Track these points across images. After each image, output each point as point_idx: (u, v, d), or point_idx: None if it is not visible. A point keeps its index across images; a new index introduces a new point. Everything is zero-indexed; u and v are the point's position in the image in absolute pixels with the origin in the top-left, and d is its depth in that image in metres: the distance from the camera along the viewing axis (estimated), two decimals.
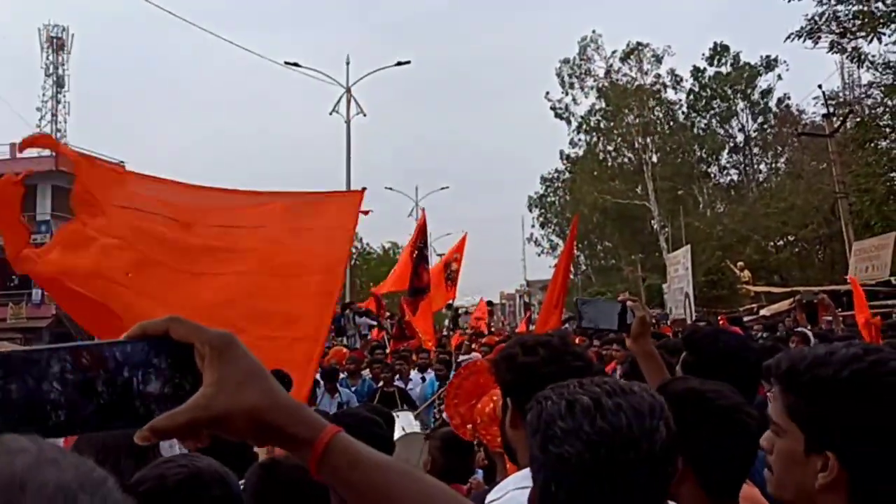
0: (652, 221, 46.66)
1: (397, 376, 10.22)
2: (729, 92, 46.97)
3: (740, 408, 1.78)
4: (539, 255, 62.09)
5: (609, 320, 2.46)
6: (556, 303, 9.45)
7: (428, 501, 0.90)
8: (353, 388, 10.01)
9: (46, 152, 40.97)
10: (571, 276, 64.62)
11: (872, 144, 23.53)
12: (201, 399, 0.83)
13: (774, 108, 45.36)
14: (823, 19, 23.03)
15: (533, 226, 60.23)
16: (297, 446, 0.87)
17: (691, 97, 47.91)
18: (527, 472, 1.59)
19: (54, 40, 44.33)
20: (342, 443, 0.87)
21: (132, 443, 2.56)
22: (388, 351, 12.20)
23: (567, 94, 48.53)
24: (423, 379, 10.89)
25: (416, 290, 12.55)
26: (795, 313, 9.36)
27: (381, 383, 9.85)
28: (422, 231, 13.41)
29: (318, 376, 9.34)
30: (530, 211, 59.50)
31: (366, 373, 10.86)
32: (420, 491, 0.90)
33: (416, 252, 12.99)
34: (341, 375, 9.87)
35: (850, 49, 23.65)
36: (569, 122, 49.61)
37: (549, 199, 58.80)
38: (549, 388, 1.34)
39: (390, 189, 48.22)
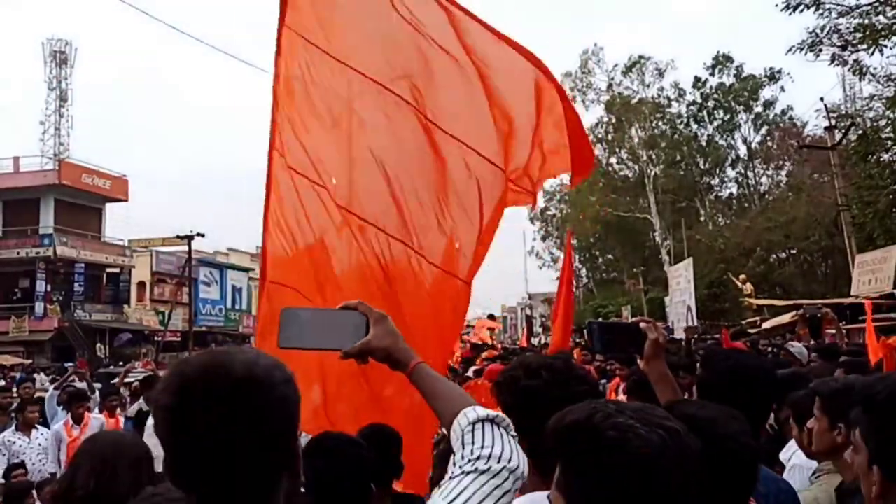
0: (654, 234, 46.60)
1: None
2: (732, 103, 46.99)
3: (736, 437, 1.75)
4: (540, 267, 62.10)
5: (622, 342, 2.43)
6: (565, 321, 9.52)
7: (460, 398, 1.58)
8: None
9: (49, 165, 41.22)
10: (573, 290, 64.73)
11: (875, 157, 23.43)
12: (367, 341, 1.62)
13: (778, 120, 45.29)
14: (825, 32, 23.00)
15: (534, 239, 60.23)
16: (401, 368, 1.62)
17: (693, 108, 47.92)
18: (532, 496, 1.63)
19: (57, 54, 44.45)
20: (420, 368, 1.62)
21: (129, 459, 2.53)
22: None
23: None
24: None
25: None
26: (798, 327, 9.29)
27: None
28: None
29: None
30: (532, 223, 59.50)
31: None
32: (454, 389, 1.67)
33: None
34: None
35: (851, 62, 23.62)
36: None
37: (550, 213, 58.80)
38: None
39: None
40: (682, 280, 27.37)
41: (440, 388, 1.60)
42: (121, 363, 26.20)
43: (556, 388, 1.84)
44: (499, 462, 1.38)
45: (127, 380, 12.94)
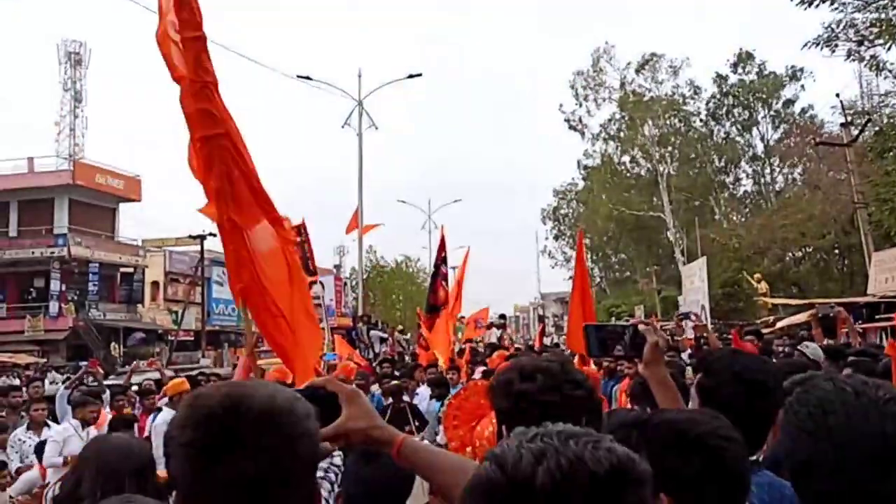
0: (667, 233, 46.34)
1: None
2: (752, 100, 46.63)
3: (716, 432, 1.68)
4: (553, 267, 61.97)
5: (621, 345, 2.34)
6: (583, 319, 9.44)
7: (461, 466, 1.46)
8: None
9: (64, 165, 41.44)
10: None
11: (892, 154, 23.19)
12: (342, 421, 1.49)
13: (797, 119, 44.85)
14: (841, 27, 22.77)
15: (546, 238, 60.07)
16: (385, 447, 1.51)
17: (711, 104, 47.61)
18: None
19: (72, 55, 44.64)
20: (409, 443, 1.52)
21: (135, 467, 2.47)
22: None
23: (581, 105, 48.43)
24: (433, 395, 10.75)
25: (433, 308, 12.41)
26: (812, 327, 9.14)
27: (390, 400, 9.74)
28: (441, 248, 13.25)
29: None
30: (544, 223, 59.37)
31: (375, 388, 10.76)
32: (450, 457, 1.59)
33: (434, 269, 12.87)
34: None
35: (867, 57, 23.38)
36: (582, 135, 49.49)
37: (562, 212, 58.64)
38: None
39: (403, 202, 48.23)
40: (696, 279, 27.26)
41: (439, 460, 1.52)
42: (136, 363, 26.27)
43: (550, 393, 1.76)
44: None
45: (134, 379, 12.92)
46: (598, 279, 59.89)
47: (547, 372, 1.81)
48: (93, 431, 7.80)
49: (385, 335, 22.61)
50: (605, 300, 50.83)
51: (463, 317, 19.22)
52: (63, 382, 13.89)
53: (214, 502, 1.12)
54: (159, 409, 9.01)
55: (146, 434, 9.18)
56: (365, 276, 31.90)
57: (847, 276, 33.54)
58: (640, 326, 2.37)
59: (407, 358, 16.87)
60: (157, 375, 12.42)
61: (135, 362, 19.74)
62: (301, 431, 1.18)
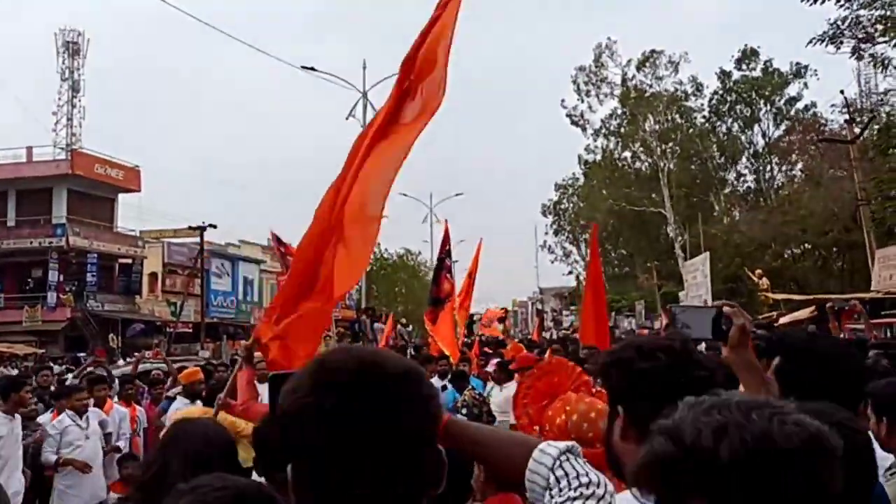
0: (667, 228, 46.34)
1: None
2: (755, 96, 46.58)
3: (847, 423, 1.61)
4: (553, 262, 61.96)
5: (702, 328, 2.26)
6: (599, 313, 9.48)
7: (513, 440, 1.48)
8: None
9: (62, 155, 41.26)
10: (584, 284, 64.64)
11: (895, 151, 23.20)
12: None
13: (801, 115, 44.77)
14: (846, 24, 22.70)
15: (546, 233, 60.06)
16: None
17: (714, 101, 47.58)
18: (623, 497, 1.58)
19: (70, 45, 44.43)
20: (454, 421, 1.41)
21: (220, 449, 2.45)
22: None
23: (583, 101, 48.43)
24: (445, 387, 10.71)
25: (436, 301, 12.36)
26: (830, 321, 9.12)
27: None
28: (445, 241, 13.24)
29: None
30: (545, 217, 59.34)
31: None
32: (497, 430, 1.54)
33: (438, 262, 12.84)
34: None
35: (868, 55, 23.35)
36: (584, 130, 49.50)
37: (562, 206, 58.64)
38: None
39: (405, 195, 48.09)
40: (698, 275, 27.19)
41: (488, 436, 1.49)
42: (135, 354, 26.16)
43: (674, 372, 1.69)
44: (599, 487, 1.36)
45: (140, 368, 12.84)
46: None
47: (668, 351, 1.75)
48: (93, 417, 7.70)
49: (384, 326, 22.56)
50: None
51: (476, 313, 19.20)
52: (67, 373, 13.84)
53: (356, 466, 1.09)
54: (170, 399, 8.93)
55: (154, 424, 9.14)
56: (368, 269, 31.82)
57: (847, 273, 33.53)
58: (726, 308, 2.30)
59: (410, 351, 16.83)
60: (162, 366, 12.32)
61: (141, 352, 19.63)
62: (433, 392, 1.18)
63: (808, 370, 2.21)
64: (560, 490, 1.36)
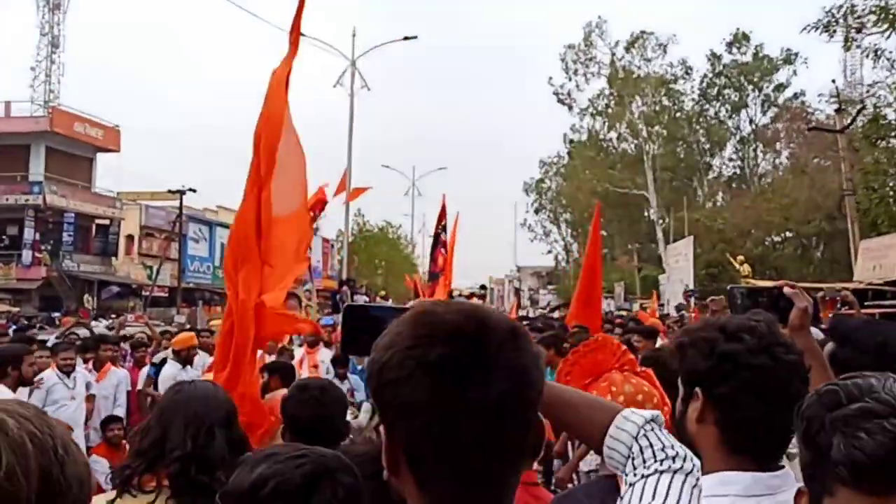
0: (650, 212, 46.48)
1: None
2: (743, 82, 46.62)
3: None
4: (532, 241, 62.09)
5: (765, 309, 2.14)
6: (593, 294, 9.46)
7: (593, 403, 1.42)
8: (360, 367, 9.77)
9: (40, 111, 40.45)
10: (563, 264, 64.76)
11: (884, 142, 23.27)
12: None
13: (789, 103, 44.89)
14: (840, 12, 22.67)
15: (527, 211, 60.08)
16: None
17: (704, 83, 47.57)
18: (722, 476, 1.58)
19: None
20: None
21: (222, 414, 2.33)
22: None
23: (570, 79, 48.27)
24: None
25: (433, 276, 12.29)
26: (821, 310, 9.09)
27: None
28: (441, 216, 13.09)
29: (329, 361, 9.11)
30: (527, 195, 59.31)
31: None
32: (587, 397, 1.49)
33: (434, 237, 12.72)
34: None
35: (857, 46, 23.38)
36: (570, 109, 49.37)
37: (544, 185, 58.65)
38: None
39: (387, 167, 47.83)
40: (680, 258, 27.34)
41: (569, 396, 1.44)
42: (112, 316, 25.89)
43: (761, 355, 1.62)
44: (685, 461, 1.30)
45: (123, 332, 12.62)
46: (576, 254, 60.19)
47: (754, 332, 1.66)
48: (80, 378, 7.48)
49: (366, 298, 22.41)
50: None
51: (456, 289, 19.15)
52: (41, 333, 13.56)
53: (463, 425, 0.96)
54: (155, 364, 8.74)
55: (138, 387, 8.96)
56: (350, 240, 31.60)
57: (827, 263, 33.83)
58: (787, 290, 2.19)
59: None
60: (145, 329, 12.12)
61: (123, 315, 19.42)
62: (538, 351, 1.07)
63: (864, 356, 2.12)
64: (644, 461, 1.30)
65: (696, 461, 1.33)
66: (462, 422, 0.96)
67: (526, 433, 1.02)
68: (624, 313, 24.60)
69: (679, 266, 27.21)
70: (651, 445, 1.31)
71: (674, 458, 1.29)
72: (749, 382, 1.59)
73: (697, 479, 1.30)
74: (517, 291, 59.05)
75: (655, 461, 1.29)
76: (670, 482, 1.26)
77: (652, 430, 1.33)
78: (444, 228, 12.89)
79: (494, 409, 0.96)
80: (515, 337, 1.01)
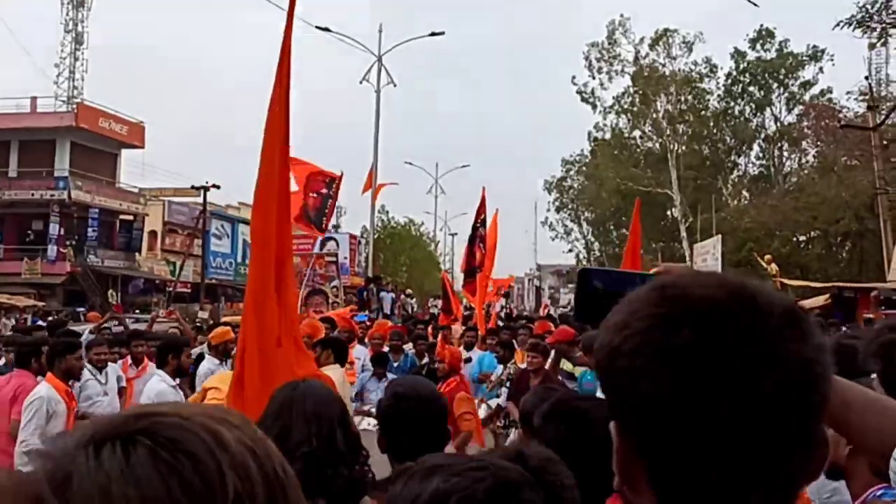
0: (673, 211, 46.06)
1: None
2: (768, 79, 46.07)
3: None
4: (553, 239, 61.76)
5: None
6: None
7: (878, 406, 1.14)
8: (395, 364, 9.65)
9: (63, 108, 40.64)
10: (584, 263, 64.39)
11: None
12: None
13: (816, 101, 44.24)
14: (875, 7, 22.35)
15: (548, 209, 59.73)
16: None
17: (728, 80, 47.05)
18: None
19: None
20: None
21: (338, 413, 2.25)
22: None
23: (594, 77, 47.88)
24: (469, 359, 10.50)
25: (472, 271, 12.12)
26: (872, 310, 8.87)
27: (426, 360, 9.48)
28: (480, 210, 12.84)
29: (367, 360, 8.99)
30: (549, 193, 58.97)
31: (408, 347, 10.51)
32: (870, 398, 1.16)
33: (472, 230, 12.50)
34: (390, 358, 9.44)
35: (882, 41, 23.09)
36: (594, 107, 48.98)
37: (566, 183, 58.30)
38: None
39: (410, 164, 47.66)
40: (709, 257, 27.02)
41: (854, 396, 1.14)
42: (136, 311, 25.95)
43: None
44: None
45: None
46: (597, 253, 59.85)
47: None
48: (112, 373, 7.37)
49: (391, 295, 22.36)
50: None
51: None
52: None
53: (719, 435, 0.73)
54: (197, 358, 8.66)
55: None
56: (375, 237, 31.48)
57: (856, 262, 33.34)
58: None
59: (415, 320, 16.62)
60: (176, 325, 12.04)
61: (154, 311, 19.39)
62: (824, 341, 0.79)
63: None
64: None
65: None
66: (718, 430, 0.74)
67: (805, 450, 0.77)
68: None
69: (707, 265, 26.84)
70: None
71: None
72: None
73: None
74: (538, 290, 58.75)
75: None
76: None
77: None
78: (483, 223, 12.65)
79: (763, 417, 0.74)
80: (795, 321, 0.77)
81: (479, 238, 12.35)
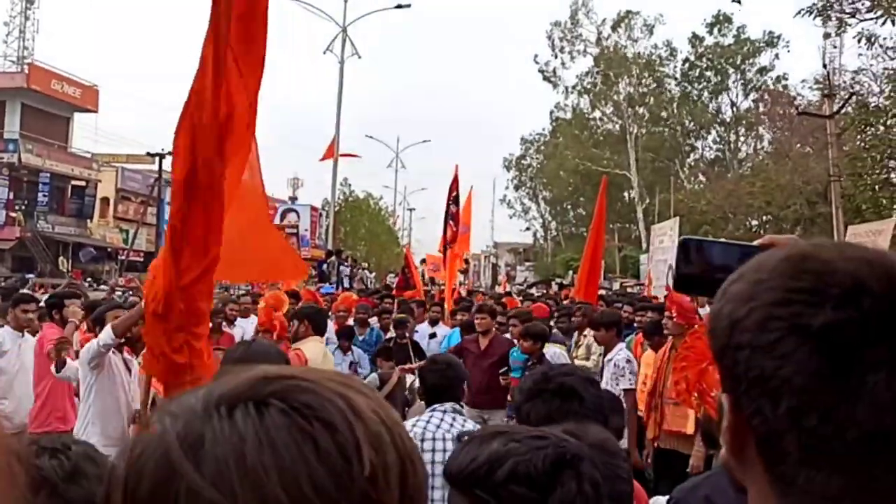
0: (631, 192, 46.55)
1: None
2: (724, 64, 46.61)
3: None
4: (511, 217, 62.04)
5: None
6: (594, 270, 9.43)
7: None
8: (361, 338, 9.61)
9: (15, 68, 39.41)
10: (541, 241, 64.83)
11: (872, 129, 23.40)
12: None
13: (773, 87, 44.96)
14: None
15: (507, 187, 59.96)
16: None
17: (686, 65, 47.51)
18: None
19: None
20: None
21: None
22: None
23: (556, 56, 47.99)
24: (434, 335, 10.50)
25: (445, 248, 12.13)
26: None
27: (392, 334, 9.44)
28: (452, 187, 12.79)
29: (332, 333, 8.91)
30: (508, 171, 59.14)
31: (374, 321, 10.47)
32: None
33: (445, 208, 12.47)
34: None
35: (840, 30, 23.47)
36: (555, 86, 49.11)
37: (525, 162, 58.51)
38: None
39: (371, 138, 47.30)
40: (666, 239, 27.29)
41: None
42: (89, 279, 25.44)
43: None
44: None
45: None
46: (554, 232, 60.29)
47: None
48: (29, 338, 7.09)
49: (348, 268, 22.22)
50: (561, 253, 51.12)
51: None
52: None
53: (853, 424, 0.66)
54: None
55: None
56: (335, 210, 31.25)
57: None
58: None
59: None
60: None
61: (113, 280, 19.02)
62: None
63: None
64: None
65: None
66: (852, 419, 0.66)
67: None
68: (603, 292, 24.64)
69: (664, 246, 27.13)
70: None
71: None
72: None
73: None
74: (494, 267, 59.00)
75: None
76: None
77: None
78: (456, 200, 12.62)
79: None
80: None
81: (452, 216, 12.32)
